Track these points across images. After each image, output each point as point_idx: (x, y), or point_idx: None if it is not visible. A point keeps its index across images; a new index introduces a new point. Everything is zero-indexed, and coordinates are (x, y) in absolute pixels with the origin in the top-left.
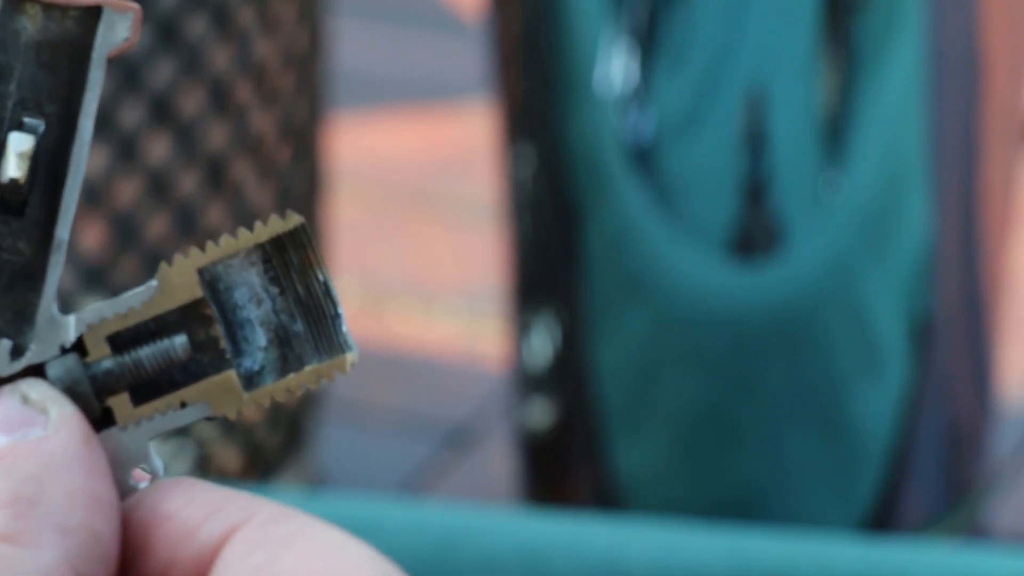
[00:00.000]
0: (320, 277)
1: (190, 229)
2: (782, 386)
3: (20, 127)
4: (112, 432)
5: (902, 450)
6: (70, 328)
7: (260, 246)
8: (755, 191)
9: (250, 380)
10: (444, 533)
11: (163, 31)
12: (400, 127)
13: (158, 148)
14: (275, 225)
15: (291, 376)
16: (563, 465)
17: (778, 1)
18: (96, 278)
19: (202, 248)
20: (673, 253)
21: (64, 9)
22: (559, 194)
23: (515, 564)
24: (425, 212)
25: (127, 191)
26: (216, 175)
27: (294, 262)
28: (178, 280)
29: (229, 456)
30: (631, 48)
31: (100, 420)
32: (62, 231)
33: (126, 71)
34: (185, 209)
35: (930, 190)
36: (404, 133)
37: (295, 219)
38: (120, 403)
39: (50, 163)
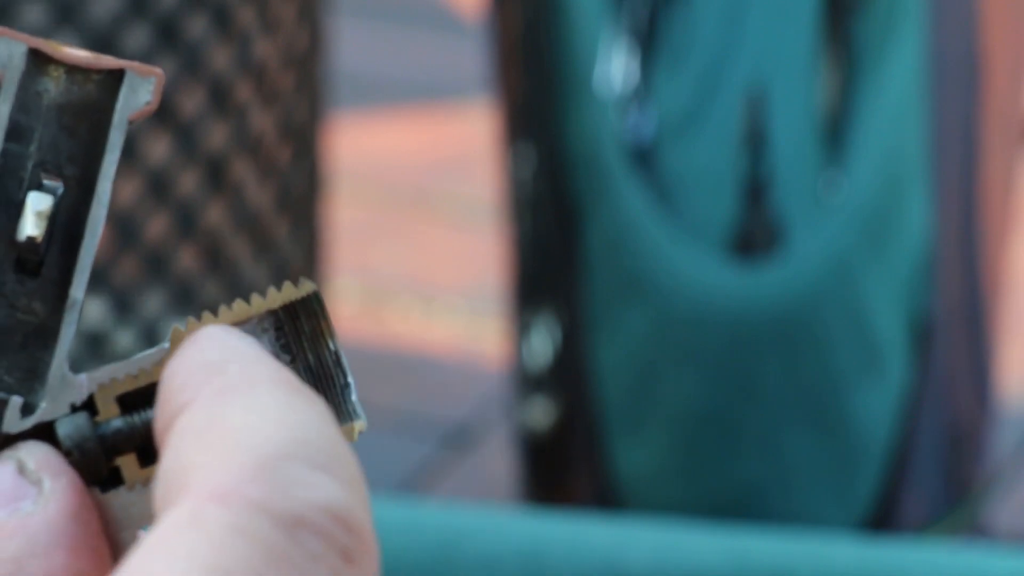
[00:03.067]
0: (331, 347)
1: (190, 229)
2: (782, 386)
3: (39, 188)
4: (120, 492)
5: (902, 450)
6: (81, 387)
7: (273, 312)
8: (755, 191)
9: None
10: (444, 533)
11: (163, 31)
12: (400, 127)
13: (158, 148)
14: (288, 292)
15: None
16: (563, 465)
17: (778, 1)
18: (96, 278)
19: (215, 314)
20: (673, 253)
21: (87, 72)
22: (559, 194)
23: (515, 564)
24: (425, 212)
25: (127, 191)
26: (216, 175)
27: (306, 330)
28: None
29: None
30: (631, 48)
31: (108, 480)
32: (77, 292)
33: None
34: (185, 209)
35: (930, 190)
36: (404, 133)
37: (308, 287)
38: (128, 463)
39: (67, 224)
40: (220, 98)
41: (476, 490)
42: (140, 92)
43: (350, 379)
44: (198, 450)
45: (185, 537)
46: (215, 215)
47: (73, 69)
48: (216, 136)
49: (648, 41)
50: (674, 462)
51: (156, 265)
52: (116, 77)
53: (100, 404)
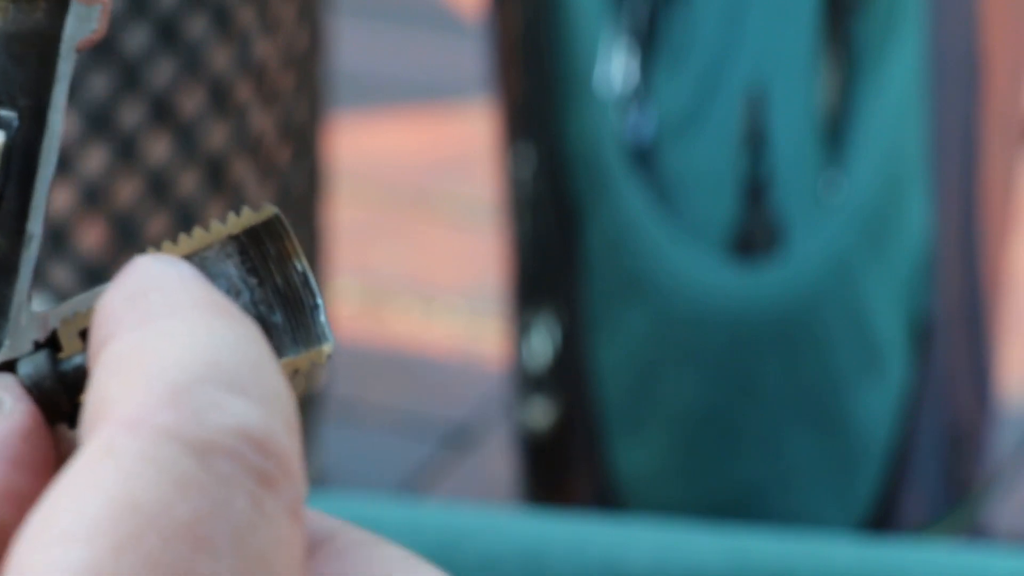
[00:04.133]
0: (299, 268)
1: (190, 229)
2: (782, 386)
3: None
4: None
5: (902, 450)
6: (45, 323)
7: (235, 237)
8: (755, 191)
9: None
10: (444, 533)
11: (163, 31)
12: (400, 127)
13: (158, 148)
14: (248, 217)
15: None
16: (563, 465)
17: (778, 1)
18: (96, 278)
19: (175, 243)
20: (673, 253)
21: (34, 2)
22: (559, 194)
23: (515, 564)
24: (425, 212)
25: (127, 191)
26: (216, 175)
27: (271, 253)
28: None
29: None
30: (631, 48)
31: (71, 416)
32: (33, 225)
33: (126, 71)
34: (185, 209)
35: (930, 190)
36: (404, 133)
37: (269, 210)
38: None
39: (24, 156)
40: (220, 98)
41: (476, 490)
42: (86, 19)
43: (319, 300)
44: (116, 380)
45: (96, 468)
46: (215, 215)
47: None
48: (216, 136)
49: (648, 41)
50: (674, 462)
51: None
52: (62, 5)
53: (64, 339)
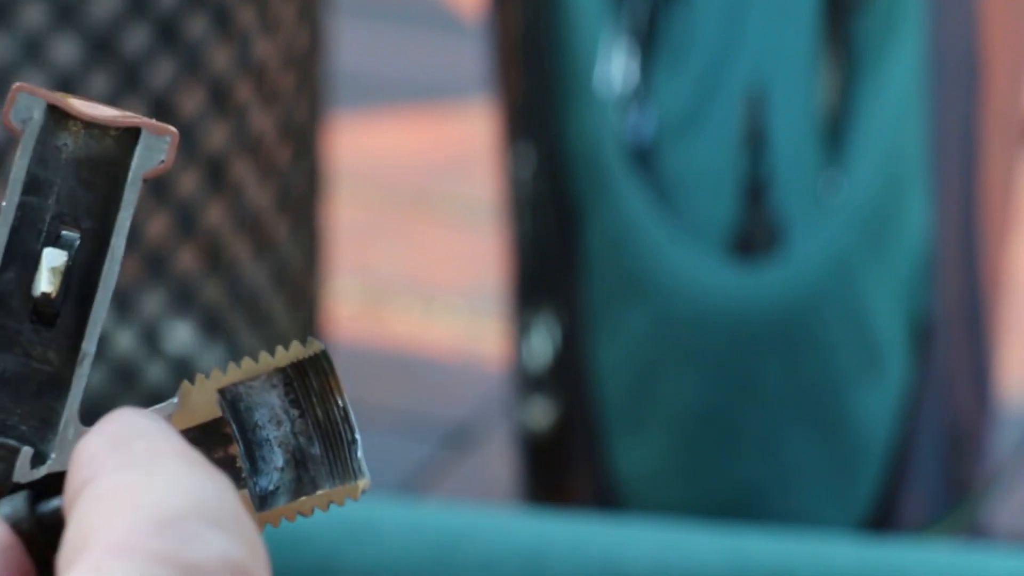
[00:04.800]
0: (340, 403)
1: (190, 229)
2: (782, 386)
3: (57, 240)
4: None
5: (902, 450)
6: None
7: (281, 370)
8: (755, 191)
9: (264, 500)
10: (444, 533)
11: (163, 31)
12: (400, 127)
13: None
14: (296, 351)
15: (303, 499)
16: (563, 465)
17: (778, 1)
18: None
19: (223, 370)
20: (673, 253)
21: (105, 128)
22: (559, 194)
23: (515, 564)
24: (425, 212)
25: None
26: (216, 175)
27: (315, 387)
28: (199, 399)
29: None
30: (631, 48)
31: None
32: (88, 344)
33: (126, 71)
34: (185, 209)
35: (930, 190)
36: (404, 133)
37: (316, 345)
38: None
39: (83, 276)
40: (220, 98)
41: (476, 490)
42: (155, 150)
43: (357, 436)
44: (100, 513)
45: None
46: (215, 215)
47: (91, 125)
48: (216, 136)
49: (648, 41)
50: (674, 462)
51: (156, 265)
52: (132, 134)
53: None
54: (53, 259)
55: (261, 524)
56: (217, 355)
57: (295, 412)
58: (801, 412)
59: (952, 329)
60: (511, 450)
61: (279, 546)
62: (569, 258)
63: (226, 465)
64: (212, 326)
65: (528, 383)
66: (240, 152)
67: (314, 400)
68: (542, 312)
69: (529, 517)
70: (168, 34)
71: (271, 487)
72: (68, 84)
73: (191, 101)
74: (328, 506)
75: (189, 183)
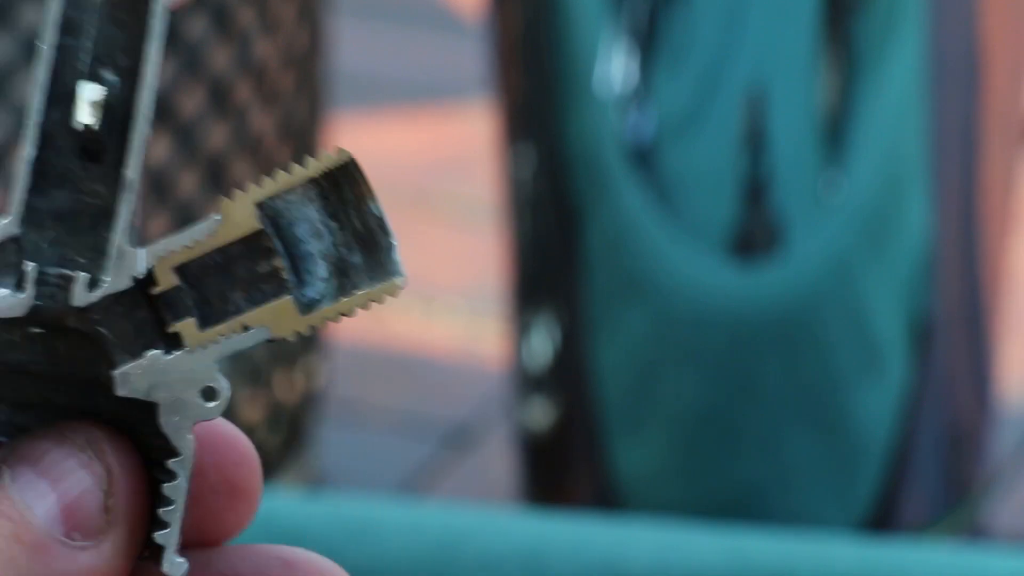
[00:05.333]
0: (375, 211)
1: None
2: (782, 386)
3: (97, 79)
4: (181, 355)
5: (902, 450)
6: (141, 260)
7: (315, 181)
8: (755, 191)
9: (309, 307)
10: (444, 533)
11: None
12: (400, 127)
13: (158, 148)
14: (327, 160)
15: (343, 300)
16: (563, 465)
17: (778, 1)
18: None
19: (259, 185)
20: (673, 253)
21: None
22: (559, 194)
23: (515, 564)
24: (425, 212)
25: None
26: (216, 175)
27: (349, 197)
28: (239, 214)
29: None
30: (631, 48)
31: (170, 342)
32: (132, 172)
33: None
34: (185, 209)
35: (930, 190)
36: (404, 133)
37: (345, 154)
38: (187, 327)
39: (124, 112)
40: (220, 98)
41: (476, 490)
42: None
43: (393, 240)
44: None
45: None
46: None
47: None
48: (216, 136)
49: (648, 41)
50: (674, 462)
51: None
52: None
53: (159, 275)
54: (92, 93)
55: (306, 326)
56: None
57: (334, 225)
58: (801, 412)
59: (952, 329)
60: (511, 450)
61: None
62: (569, 258)
63: (272, 278)
64: None
65: (528, 383)
66: (240, 152)
67: (351, 212)
68: (542, 312)
69: (529, 517)
70: (168, 34)
71: (317, 296)
72: None
73: (191, 101)
74: (369, 305)
75: (189, 183)
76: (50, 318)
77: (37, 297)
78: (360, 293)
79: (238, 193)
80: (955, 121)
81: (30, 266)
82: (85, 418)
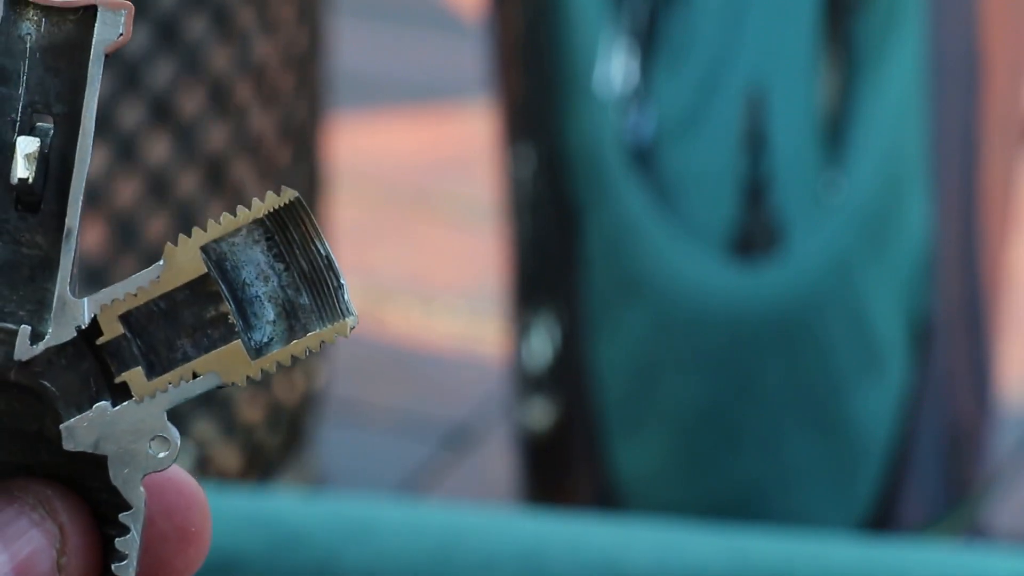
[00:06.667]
0: (321, 250)
1: (190, 230)
2: (782, 386)
3: (32, 130)
4: (129, 405)
5: (902, 450)
6: (84, 310)
7: (260, 222)
8: (755, 191)
9: (259, 351)
10: (444, 533)
11: (163, 31)
12: (400, 127)
13: (158, 148)
14: (272, 200)
15: (295, 342)
16: (563, 465)
17: (778, 1)
18: (96, 278)
19: (205, 229)
20: (673, 253)
21: (63, 12)
22: (559, 194)
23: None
24: (425, 212)
25: (127, 191)
26: (216, 175)
27: (295, 237)
28: (183, 259)
29: (229, 456)
30: (631, 48)
31: (118, 393)
32: (72, 221)
33: (126, 71)
34: (185, 209)
35: (930, 190)
36: (404, 133)
37: (290, 193)
38: (135, 377)
39: (61, 160)
40: (220, 98)
41: (476, 490)
42: (113, 25)
43: (342, 280)
44: None
45: None
46: (215, 215)
47: (48, 10)
48: (216, 136)
49: (648, 41)
50: (674, 462)
51: None
52: (90, 13)
53: (104, 324)
54: (27, 146)
55: (257, 371)
56: None
57: (280, 266)
58: (801, 412)
59: (952, 329)
60: (511, 450)
61: (279, 546)
62: (569, 258)
63: (219, 323)
64: None
65: (528, 383)
66: (240, 152)
67: (296, 251)
68: (542, 312)
69: (529, 517)
70: (168, 34)
71: (265, 339)
72: None
73: (191, 101)
74: (320, 345)
75: (189, 183)
76: None
77: None
78: (310, 334)
79: (182, 238)
80: (955, 121)
81: None
82: (33, 474)
